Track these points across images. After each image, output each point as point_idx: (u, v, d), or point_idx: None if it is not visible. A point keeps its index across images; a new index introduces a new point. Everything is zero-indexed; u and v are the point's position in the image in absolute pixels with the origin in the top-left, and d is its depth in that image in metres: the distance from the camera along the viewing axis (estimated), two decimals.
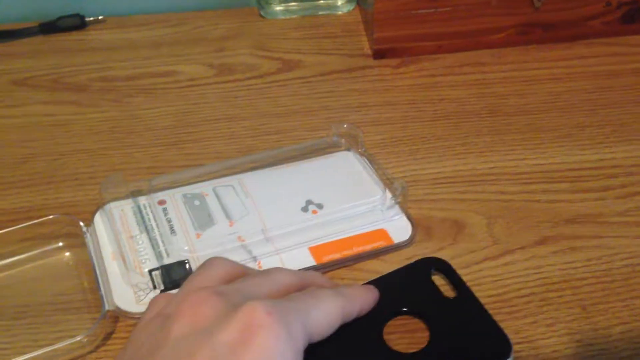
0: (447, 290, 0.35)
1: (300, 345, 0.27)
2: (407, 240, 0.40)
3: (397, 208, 0.41)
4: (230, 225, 0.39)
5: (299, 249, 0.39)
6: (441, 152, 0.47)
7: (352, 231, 0.40)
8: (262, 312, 0.26)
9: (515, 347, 0.34)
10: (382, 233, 0.40)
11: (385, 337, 0.34)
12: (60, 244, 0.40)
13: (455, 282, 0.36)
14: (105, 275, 0.37)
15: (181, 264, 0.37)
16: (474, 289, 0.37)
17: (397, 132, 0.49)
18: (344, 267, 0.39)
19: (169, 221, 0.40)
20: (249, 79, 0.55)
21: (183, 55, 0.58)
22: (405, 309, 0.35)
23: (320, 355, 0.33)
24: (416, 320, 0.35)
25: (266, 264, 0.38)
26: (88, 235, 0.39)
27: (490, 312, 0.35)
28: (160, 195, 0.41)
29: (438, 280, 0.36)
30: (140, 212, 0.40)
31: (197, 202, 0.41)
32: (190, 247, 0.38)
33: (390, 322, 0.34)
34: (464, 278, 0.37)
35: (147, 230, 0.39)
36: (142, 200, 0.41)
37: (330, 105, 0.52)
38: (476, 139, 0.48)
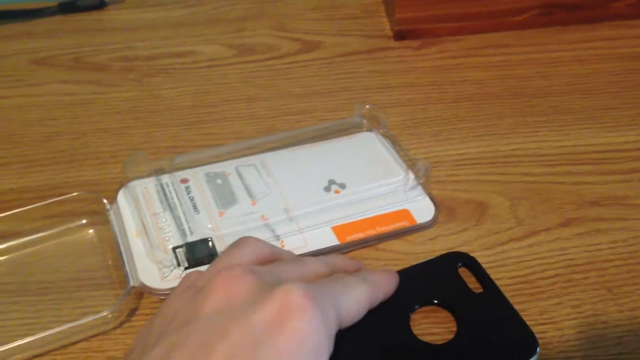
0: (474, 285, 0.35)
1: (333, 329, 0.27)
2: (430, 221, 0.40)
3: (420, 189, 0.41)
4: (253, 204, 0.39)
5: (322, 229, 0.39)
6: (464, 134, 0.46)
7: (375, 211, 0.40)
8: (298, 294, 0.25)
9: (539, 328, 0.34)
10: (405, 213, 0.40)
11: (412, 327, 0.34)
12: (84, 221, 0.40)
13: (481, 277, 0.36)
14: (129, 252, 0.37)
15: (204, 241, 0.37)
16: (498, 270, 0.37)
17: (418, 114, 0.48)
18: (367, 247, 0.39)
19: (191, 199, 0.40)
20: (268, 59, 0.54)
21: (202, 35, 0.57)
22: (432, 301, 0.35)
23: (349, 343, 0.33)
24: (443, 312, 0.34)
25: (289, 242, 0.38)
26: (111, 212, 0.39)
27: (515, 293, 0.36)
28: (183, 174, 0.41)
29: (464, 274, 0.36)
30: (163, 190, 0.40)
31: (219, 181, 0.41)
32: (213, 225, 0.38)
33: (417, 313, 0.34)
34: (488, 259, 0.37)
35: (170, 208, 0.39)
36: (165, 178, 0.41)
37: (351, 87, 0.51)
38: (499, 121, 0.47)
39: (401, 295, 0.35)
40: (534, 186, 0.42)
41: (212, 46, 0.56)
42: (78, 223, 0.40)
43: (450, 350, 0.33)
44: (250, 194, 0.40)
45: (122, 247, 0.37)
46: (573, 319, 0.35)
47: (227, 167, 0.42)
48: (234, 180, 0.41)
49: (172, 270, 0.36)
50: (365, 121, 0.46)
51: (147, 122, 0.48)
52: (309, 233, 0.39)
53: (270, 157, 0.43)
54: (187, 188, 0.40)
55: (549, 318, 0.35)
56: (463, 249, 0.38)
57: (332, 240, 0.38)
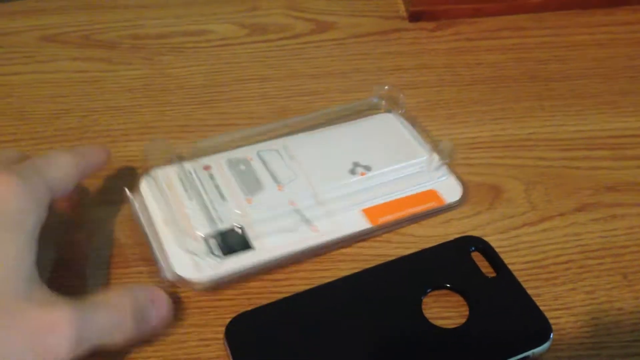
0: (487, 270, 0.35)
1: (42, 196, 0.31)
2: (459, 200, 0.39)
3: (444, 169, 0.40)
4: (280, 190, 0.39)
5: (352, 212, 0.38)
6: (478, 117, 0.46)
7: (403, 193, 0.39)
8: (2, 172, 0.30)
9: (553, 314, 0.33)
10: (432, 194, 0.39)
11: (424, 310, 0.33)
12: (107, 209, 0.39)
13: (495, 261, 0.35)
14: (159, 244, 0.36)
15: (235, 230, 0.37)
16: (511, 255, 0.36)
17: (433, 96, 0.48)
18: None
19: (216, 187, 0.39)
20: (281, 39, 0.54)
21: (214, 14, 0.57)
22: (444, 284, 0.34)
23: (361, 325, 0.33)
24: (455, 296, 0.34)
25: (321, 227, 0.37)
26: (135, 203, 0.38)
27: (528, 278, 0.35)
28: (205, 161, 0.41)
29: (477, 259, 0.36)
30: (187, 178, 0.39)
31: (242, 167, 0.40)
32: (242, 211, 0.37)
33: (429, 297, 0.34)
34: (502, 243, 0.37)
35: (197, 196, 0.38)
36: (187, 166, 0.40)
37: (365, 68, 0.50)
38: (515, 105, 0.46)
39: (413, 279, 0.35)
40: (549, 170, 0.41)
41: (225, 25, 0.55)
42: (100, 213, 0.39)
43: (462, 334, 0.32)
44: (275, 180, 0.39)
45: (151, 239, 0.36)
46: (587, 305, 0.34)
47: (248, 152, 0.41)
48: (258, 166, 0.40)
49: (205, 260, 0.35)
50: (383, 102, 0.45)
51: (159, 100, 0.48)
52: (339, 217, 0.38)
53: (292, 141, 0.42)
54: (210, 175, 0.40)
55: (562, 304, 0.34)
56: (476, 233, 0.38)
57: (364, 224, 0.38)
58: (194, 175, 0.39)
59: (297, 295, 0.34)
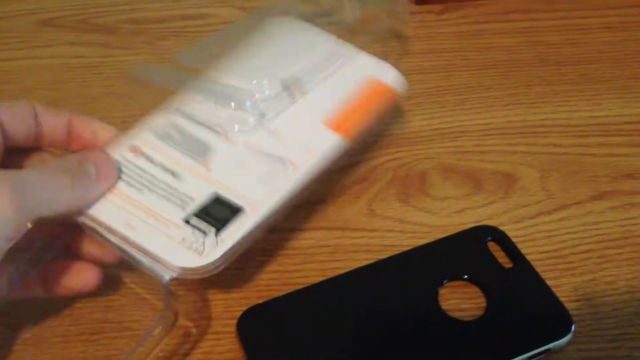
0: (503, 260, 0.34)
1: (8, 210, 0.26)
2: (403, 86, 0.37)
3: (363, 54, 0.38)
4: (229, 140, 0.34)
5: (316, 131, 0.34)
6: (490, 103, 0.44)
7: (348, 93, 0.36)
8: None
9: (573, 305, 0.33)
10: (375, 82, 0.37)
11: (441, 302, 0.32)
12: None
13: (511, 251, 0.34)
14: (140, 250, 0.31)
15: (215, 200, 0.32)
16: (528, 245, 0.35)
17: (442, 81, 0.46)
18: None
19: (161, 167, 0.33)
20: None
21: None
22: (461, 275, 0.33)
23: (376, 316, 0.32)
24: (472, 287, 0.33)
25: (296, 159, 0.33)
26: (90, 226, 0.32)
27: (546, 268, 0.34)
28: (129, 142, 0.34)
29: (493, 249, 0.35)
30: (121, 170, 0.33)
31: (174, 133, 0.34)
32: (206, 180, 0.33)
33: (445, 288, 0.33)
34: (518, 233, 0.36)
35: (146, 186, 0.33)
36: (113, 154, 0.33)
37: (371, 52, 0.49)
38: (527, 90, 0.45)
39: (428, 270, 0.34)
40: (565, 157, 0.40)
41: (226, 9, 0.54)
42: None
43: (480, 327, 0.32)
44: (217, 131, 0.34)
45: (130, 251, 0.31)
46: (608, 295, 0.33)
47: (168, 114, 0.35)
48: (188, 125, 0.35)
49: (203, 242, 0.31)
50: None
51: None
52: (308, 143, 0.34)
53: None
54: (146, 157, 0.34)
55: (582, 295, 0.33)
56: (491, 223, 0.37)
57: (337, 139, 0.34)
58: (126, 164, 0.33)
59: (309, 287, 0.33)
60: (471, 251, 0.35)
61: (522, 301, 0.33)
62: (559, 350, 0.31)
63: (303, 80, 0.36)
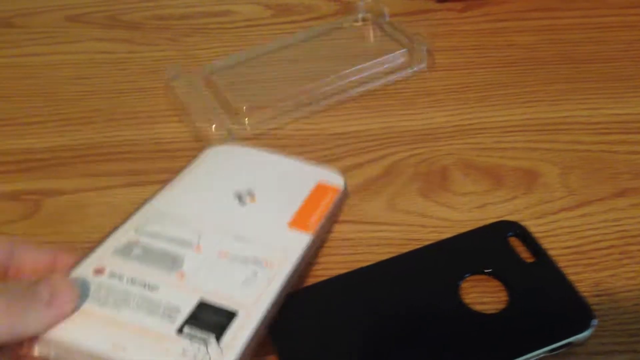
0: (524, 255, 0.34)
1: None
2: (343, 186, 0.38)
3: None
4: (199, 249, 0.33)
5: (282, 231, 0.35)
6: (510, 100, 0.45)
7: (298, 200, 0.37)
8: None
9: (594, 300, 0.33)
10: (322, 187, 0.38)
11: (462, 295, 0.33)
12: None
13: (533, 247, 0.35)
14: None
15: (203, 307, 0.31)
16: (549, 240, 0.36)
17: (463, 78, 0.47)
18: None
19: (132, 282, 0.31)
20: (307, 20, 0.53)
21: None
22: (482, 270, 0.34)
23: (398, 310, 0.32)
24: (494, 281, 0.34)
25: (270, 259, 0.33)
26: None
27: (568, 264, 0.34)
28: (91, 264, 0.32)
29: (514, 244, 0.35)
30: (90, 294, 0.31)
31: (138, 251, 0.33)
32: (185, 290, 0.31)
33: (466, 282, 0.34)
34: (539, 229, 0.36)
35: (121, 305, 0.30)
36: (77, 275, 0.31)
37: (392, 49, 0.49)
38: (547, 87, 0.45)
39: (450, 263, 0.34)
40: (586, 155, 0.41)
41: (249, 6, 0.54)
42: None
43: (502, 320, 0.32)
44: (183, 244, 0.34)
45: None
46: (629, 291, 0.33)
47: (128, 233, 0.34)
48: (150, 241, 0.33)
49: (207, 351, 0.29)
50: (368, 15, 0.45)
51: None
52: (276, 242, 0.34)
53: (161, 200, 0.36)
54: (113, 275, 0.31)
55: (603, 290, 0.34)
56: (512, 218, 0.37)
57: (304, 236, 0.35)
58: (94, 285, 0.31)
59: (332, 279, 0.34)
60: (493, 246, 0.35)
61: (544, 295, 0.33)
62: (580, 343, 0.31)
63: (254, 192, 0.37)
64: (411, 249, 0.35)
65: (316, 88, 0.44)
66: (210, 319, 0.30)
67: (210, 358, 0.29)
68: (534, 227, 0.36)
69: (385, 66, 0.46)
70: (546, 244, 0.35)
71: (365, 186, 0.40)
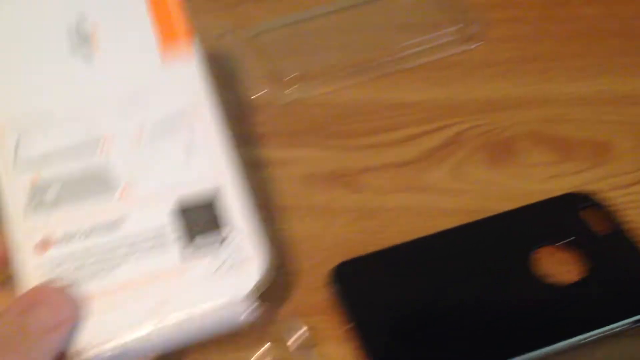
0: (598, 228, 0.33)
1: None
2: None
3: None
4: (110, 145, 0.27)
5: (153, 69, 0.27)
6: (577, 72, 0.43)
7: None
8: None
9: None
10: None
11: (534, 267, 0.32)
12: None
13: (607, 219, 0.33)
14: None
15: (180, 210, 0.26)
16: (623, 214, 0.34)
17: (525, 51, 0.45)
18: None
19: (87, 233, 0.25)
20: None
21: None
22: (554, 241, 0.33)
23: (468, 282, 0.31)
24: (566, 253, 0.32)
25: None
26: None
27: None
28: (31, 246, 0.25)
29: (587, 216, 0.34)
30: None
31: (51, 194, 0.26)
32: (150, 207, 0.26)
33: (538, 253, 0.32)
34: (612, 202, 0.35)
35: (108, 268, 0.25)
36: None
37: (451, 20, 0.48)
38: (615, 59, 0.44)
39: (520, 234, 0.33)
40: None
41: None
42: None
43: (575, 293, 0.31)
44: (89, 147, 0.26)
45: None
46: None
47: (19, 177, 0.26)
48: (52, 168, 0.26)
49: (239, 244, 0.26)
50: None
51: None
52: (165, 90, 0.27)
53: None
54: (61, 239, 0.25)
55: None
56: (584, 190, 0.35)
57: (185, 58, 0.27)
58: (54, 265, 0.25)
59: (398, 246, 0.33)
60: (564, 217, 0.34)
61: (617, 269, 0.32)
62: None
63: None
64: (475, 219, 0.34)
65: (371, 59, 0.43)
66: (205, 217, 0.25)
67: (244, 251, 0.25)
68: (607, 200, 0.35)
69: (443, 39, 0.45)
70: (620, 217, 0.34)
71: (428, 154, 0.38)
